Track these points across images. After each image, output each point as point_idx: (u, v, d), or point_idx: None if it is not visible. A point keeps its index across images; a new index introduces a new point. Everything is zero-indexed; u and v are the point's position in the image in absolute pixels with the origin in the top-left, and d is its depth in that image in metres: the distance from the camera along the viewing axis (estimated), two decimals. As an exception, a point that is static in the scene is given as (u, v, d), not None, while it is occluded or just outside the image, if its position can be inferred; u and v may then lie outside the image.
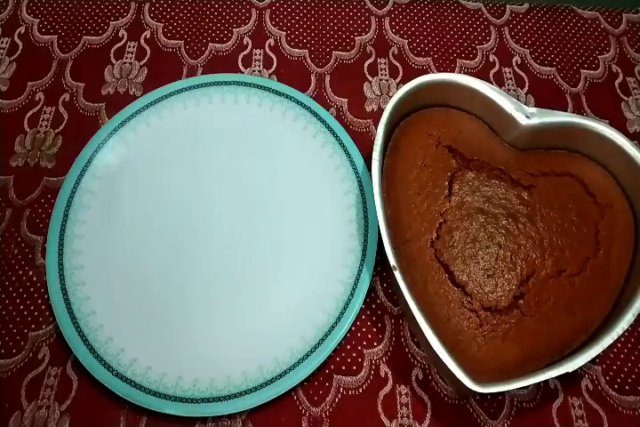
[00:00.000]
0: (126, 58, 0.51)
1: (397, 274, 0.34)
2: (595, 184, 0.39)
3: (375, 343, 0.39)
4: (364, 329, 0.40)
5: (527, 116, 0.39)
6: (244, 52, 0.51)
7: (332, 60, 0.51)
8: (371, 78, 0.51)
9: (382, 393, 0.38)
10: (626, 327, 0.33)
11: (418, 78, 0.40)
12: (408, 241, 0.37)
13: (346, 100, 0.49)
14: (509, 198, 0.39)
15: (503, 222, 0.38)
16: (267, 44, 0.52)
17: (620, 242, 0.37)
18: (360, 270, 0.39)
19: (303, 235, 0.42)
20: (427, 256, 0.37)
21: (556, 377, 0.32)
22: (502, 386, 0.31)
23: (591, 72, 0.52)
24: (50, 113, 0.47)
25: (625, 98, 0.51)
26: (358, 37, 0.53)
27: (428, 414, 0.37)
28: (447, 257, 0.37)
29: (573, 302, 0.36)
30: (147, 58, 0.51)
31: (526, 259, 0.37)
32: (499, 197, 0.39)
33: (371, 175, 0.38)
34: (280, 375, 0.36)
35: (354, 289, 0.39)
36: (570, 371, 0.32)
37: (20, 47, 0.51)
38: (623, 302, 0.35)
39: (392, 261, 0.34)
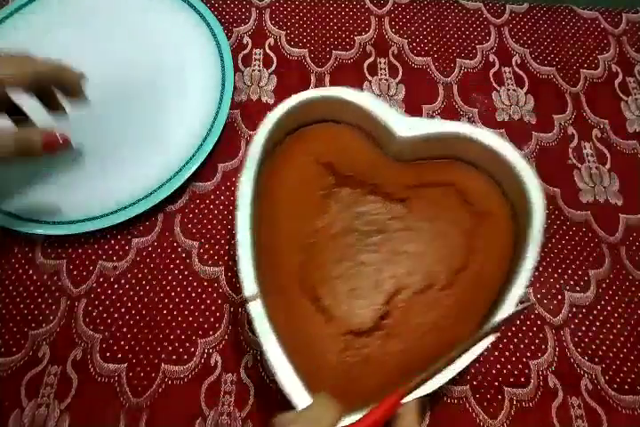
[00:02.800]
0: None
1: (252, 305, 0.31)
2: (474, 192, 0.38)
3: (211, 332, 0.39)
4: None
5: (408, 127, 0.37)
6: (244, 52, 0.51)
7: (332, 60, 0.51)
8: (370, 78, 0.51)
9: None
10: (485, 347, 0.31)
11: (298, 95, 0.38)
12: (277, 265, 0.35)
13: (346, 99, 0.49)
14: (382, 214, 0.37)
15: (374, 239, 0.36)
16: (266, 44, 0.52)
17: (497, 251, 0.36)
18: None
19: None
20: (294, 280, 0.35)
21: (556, 377, 0.32)
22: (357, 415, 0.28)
23: (591, 72, 0.52)
24: None
25: (625, 98, 0.51)
26: (358, 37, 0.53)
27: (428, 414, 0.37)
28: (314, 280, 0.35)
29: (442, 318, 0.34)
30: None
31: (394, 276, 0.35)
32: (371, 213, 0.37)
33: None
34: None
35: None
36: (429, 393, 0.29)
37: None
38: (494, 313, 0.33)
39: (248, 291, 0.31)
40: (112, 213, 0.41)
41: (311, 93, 0.38)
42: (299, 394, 0.29)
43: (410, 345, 0.33)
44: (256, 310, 0.31)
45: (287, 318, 0.33)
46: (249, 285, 0.32)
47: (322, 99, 0.39)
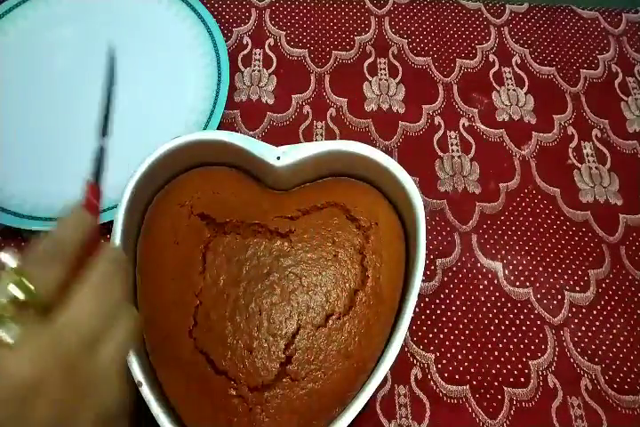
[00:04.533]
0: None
1: (143, 390, 0.30)
2: (358, 206, 0.37)
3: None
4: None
5: (277, 157, 0.37)
6: (244, 52, 0.51)
7: (332, 60, 0.51)
8: (370, 78, 0.51)
9: (381, 394, 0.38)
10: (393, 361, 0.31)
11: (162, 146, 0.36)
12: (166, 338, 0.33)
13: (345, 99, 0.49)
14: (268, 254, 0.35)
15: (265, 284, 0.34)
16: (266, 44, 0.52)
17: (390, 260, 0.35)
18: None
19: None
20: (186, 350, 0.32)
21: (555, 377, 0.32)
22: None
23: (591, 72, 0.52)
24: None
25: (624, 98, 0.51)
26: (358, 37, 0.53)
27: (427, 415, 0.37)
28: (206, 344, 0.32)
29: (346, 345, 0.33)
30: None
31: (293, 315, 0.33)
32: (257, 256, 0.35)
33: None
34: None
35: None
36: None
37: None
38: (397, 326, 0.33)
39: (137, 376, 0.30)
40: (108, 209, 0.41)
41: (178, 141, 0.37)
42: None
43: (318, 384, 0.32)
44: (146, 395, 0.30)
45: (188, 390, 0.32)
46: (135, 372, 0.30)
47: (188, 144, 0.37)
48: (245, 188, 0.39)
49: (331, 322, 0.33)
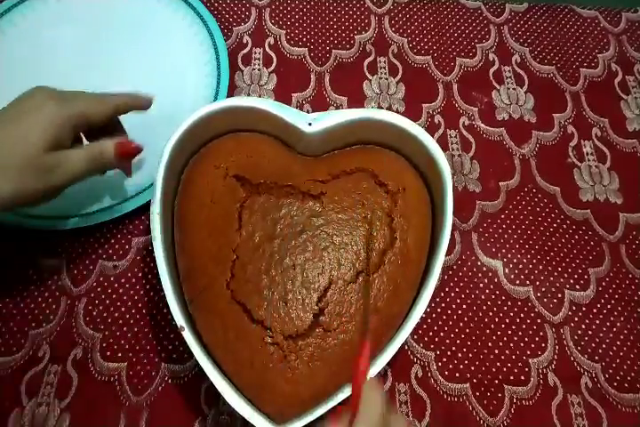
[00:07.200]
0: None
1: (186, 334, 0.32)
2: (386, 172, 0.38)
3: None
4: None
5: (309, 123, 0.38)
6: (244, 51, 0.51)
7: (332, 59, 0.51)
8: (370, 77, 0.51)
9: (382, 391, 0.38)
10: (420, 315, 0.33)
11: (197, 112, 0.38)
12: (204, 289, 0.35)
13: (345, 98, 0.49)
14: (301, 214, 0.37)
15: (299, 241, 0.36)
16: (266, 43, 0.52)
17: (417, 224, 0.37)
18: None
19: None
20: (224, 300, 0.34)
21: (556, 375, 0.32)
22: (304, 419, 0.30)
23: (591, 71, 0.52)
24: None
25: (624, 97, 0.51)
26: (358, 36, 0.53)
27: (428, 412, 0.37)
28: (243, 295, 0.34)
29: (375, 301, 0.34)
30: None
31: (325, 271, 0.35)
32: (290, 215, 0.37)
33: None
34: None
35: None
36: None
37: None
38: (425, 283, 0.34)
39: (179, 320, 0.32)
40: (107, 208, 0.41)
41: (211, 107, 0.38)
42: (247, 411, 0.30)
43: (349, 335, 0.33)
44: (188, 339, 0.32)
45: (225, 337, 0.33)
46: (177, 317, 0.32)
47: (218, 112, 0.38)
48: (278, 153, 0.40)
49: (361, 279, 0.35)
